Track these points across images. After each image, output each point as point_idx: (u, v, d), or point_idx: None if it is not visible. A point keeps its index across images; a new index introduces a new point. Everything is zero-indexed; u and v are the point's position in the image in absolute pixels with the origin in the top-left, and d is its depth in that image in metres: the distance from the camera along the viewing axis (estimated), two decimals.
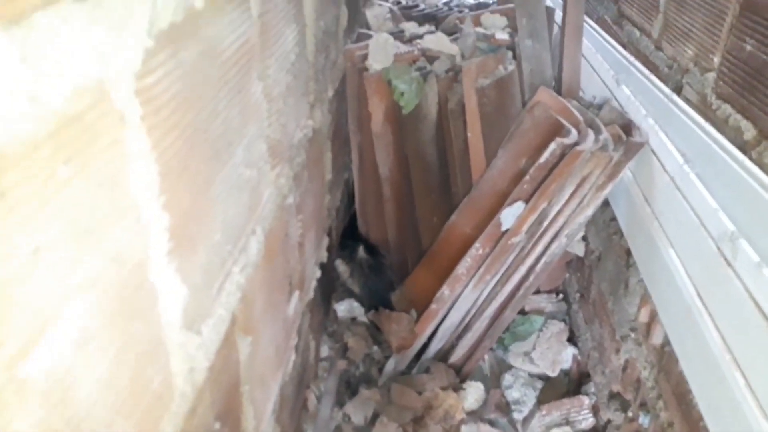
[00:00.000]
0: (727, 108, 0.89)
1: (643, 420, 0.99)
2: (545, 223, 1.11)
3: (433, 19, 1.72)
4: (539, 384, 1.32)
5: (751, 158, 0.79)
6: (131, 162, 0.38)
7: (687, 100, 1.04)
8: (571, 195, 1.08)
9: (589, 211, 1.12)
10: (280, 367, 0.87)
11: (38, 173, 0.29)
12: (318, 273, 1.14)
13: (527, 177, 1.09)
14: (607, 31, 1.54)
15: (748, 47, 0.84)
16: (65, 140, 0.31)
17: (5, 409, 0.28)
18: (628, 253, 1.11)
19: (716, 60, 0.94)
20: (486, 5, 1.82)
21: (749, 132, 0.82)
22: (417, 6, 1.83)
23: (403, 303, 1.33)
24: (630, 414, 1.06)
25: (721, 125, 0.90)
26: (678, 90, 1.08)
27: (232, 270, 0.59)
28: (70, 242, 0.32)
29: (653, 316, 0.99)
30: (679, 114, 1.03)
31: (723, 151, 0.85)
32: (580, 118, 1.14)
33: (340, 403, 1.21)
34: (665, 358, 0.93)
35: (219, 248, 0.55)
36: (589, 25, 1.56)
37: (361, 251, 1.40)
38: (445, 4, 1.90)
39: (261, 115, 0.68)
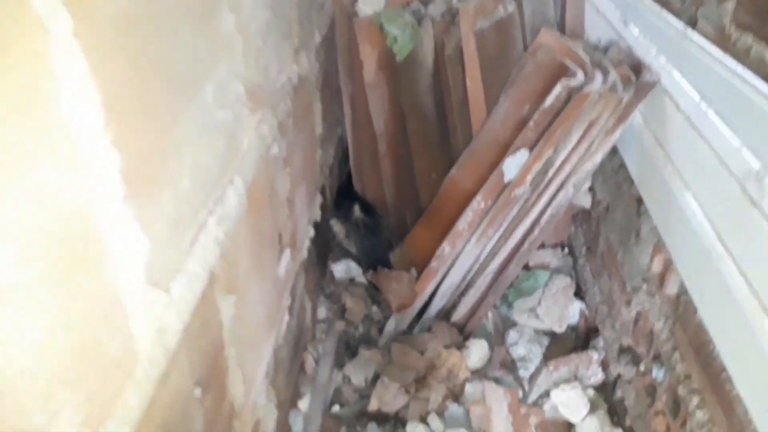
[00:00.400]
0: (748, 38, 0.82)
1: (657, 373, 0.94)
2: (551, 172, 1.05)
3: None
4: (545, 340, 1.28)
5: None
6: (61, 85, 0.32)
7: (703, 34, 0.96)
8: (579, 141, 1.02)
9: (598, 158, 1.05)
10: (273, 328, 0.82)
11: None
12: (311, 232, 1.08)
13: (531, 123, 1.02)
14: None
15: None
16: None
17: None
18: (639, 201, 1.04)
19: None
20: None
21: None
22: None
23: (402, 262, 1.27)
24: (642, 368, 1.01)
25: (741, 57, 0.83)
26: (693, 24, 1.00)
27: (207, 222, 0.54)
28: None
29: (667, 265, 0.93)
30: (694, 49, 0.95)
31: (745, 84, 0.78)
32: (587, 59, 1.06)
33: (339, 365, 1.17)
34: (681, 308, 0.88)
35: (189, 197, 0.49)
36: None
37: (356, 210, 1.34)
38: None
39: (235, 52, 0.61)
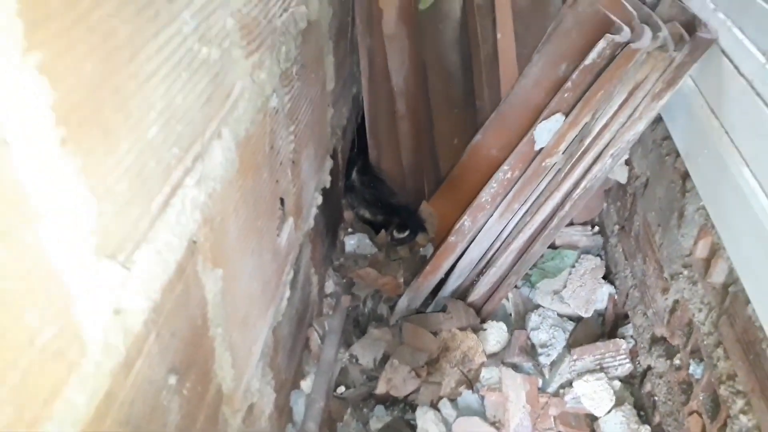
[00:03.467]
0: None
1: (695, 369, 0.85)
2: (587, 141, 0.94)
3: None
4: (570, 325, 1.19)
5: None
6: None
7: None
8: (621, 105, 0.90)
9: (641, 126, 0.94)
10: (270, 304, 0.74)
11: None
12: (319, 199, 0.99)
13: (568, 84, 0.91)
14: None
15: None
16: None
17: None
18: (685, 176, 0.93)
19: None
20: None
21: None
22: None
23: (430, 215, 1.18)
24: (677, 362, 0.92)
25: None
26: None
27: (184, 182, 0.44)
28: None
29: (715, 250, 0.83)
30: (760, 3, 0.82)
31: None
32: (634, 12, 0.94)
33: (346, 344, 1.09)
34: (729, 300, 0.78)
35: (158, 149, 0.40)
36: None
37: (354, 175, 1.26)
38: None
39: None
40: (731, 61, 0.86)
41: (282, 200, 0.75)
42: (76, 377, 0.34)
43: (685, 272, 0.90)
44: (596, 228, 1.34)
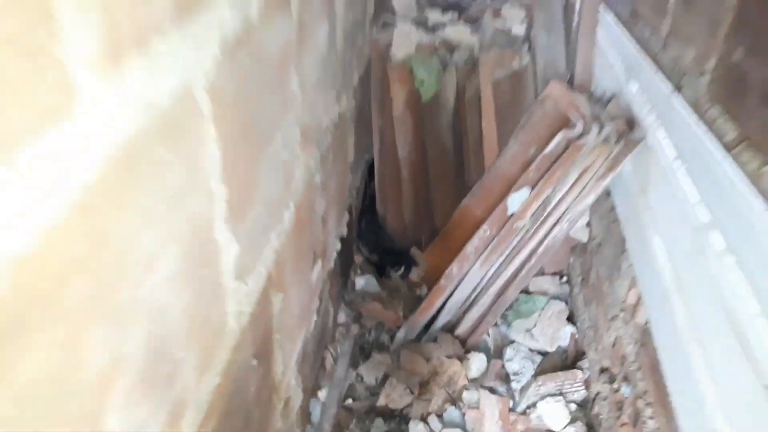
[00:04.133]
0: (715, 110, 0.98)
1: (625, 390, 1.09)
2: (548, 209, 1.21)
3: (457, 6, 1.80)
4: (538, 358, 1.43)
5: (731, 158, 0.88)
6: (205, 146, 0.50)
7: (685, 100, 1.12)
8: (574, 183, 1.18)
9: (590, 199, 1.21)
10: (304, 325, 0.99)
11: (149, 157, 0.40)
12: (338, 246, 1.25)
13: (533, 165, 1.19)
14: (623, 26, 1.61)
15: (737, 56, 0.92)
16: (168, 132, 0.42)
17: (125, 325, 0.40)
18: (623, 240, 1.20)
19: (711, 64, 1.02)
20: None
21: (731, 134, 0.90)
22: None
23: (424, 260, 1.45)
24: (615, 386, 1.16)
25: (710, 125, 0.99)
26: (678, 89, 1.16)
27: (270, 236, 0.71)
28: (167, 204, 0.44)
29: (639, 298, 1.08)
30: (677, 112, 1.11)
31: (709, 149, 0.94)
32: (587, 112, 1.23)
33: (354, 365, 1.33)
34: (646, 335, 1.03)
35: (261, 217, 0.67)
36: (608, 19, 1.63)
37: (363, 226, 1.53)
38: None
39: (296, 105, 0.79)
40: (655, 154, 1.14)
41: (314, 247, 1.01)
42: (221, 346, 0.59)
43: (621, 315, 1.16)
44: (564, 278, 1.60)
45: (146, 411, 0.44)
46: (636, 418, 1.03)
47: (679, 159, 1.03)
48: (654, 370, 0.95)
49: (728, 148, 0.91)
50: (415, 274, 1.47)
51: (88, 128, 0.33)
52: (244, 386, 0.67)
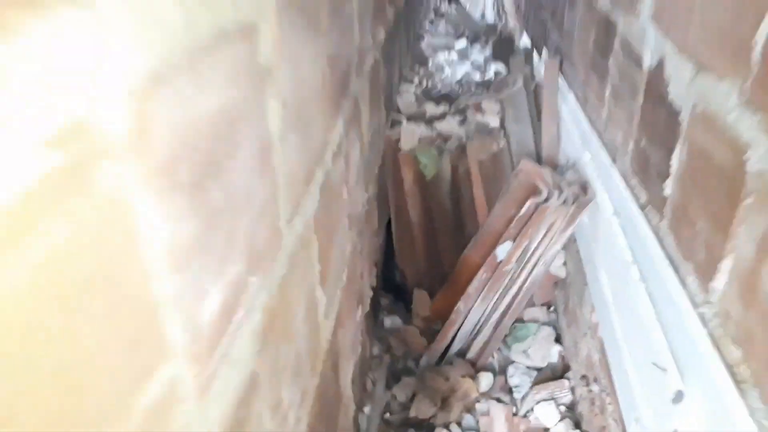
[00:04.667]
0: (635, 180, 1.39)
1: (595, 388, 1.46)
2: (528, 255, 1.61)
3: (448, 98, 2.26)
4: (534, 373, 1.79)
5: (643, 215, 1.28)
6: (311, 249, 0.90)
7: (618, 170, 1.53)
8: (544, 236, 1.58)
9: (558, 246, 1.61)
10: (354, 353, 1.38)
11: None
12: (371, 293, 1.65)
13: (513, 223, 1.59)
14: (579, 105, 2.04)
15: (643, 143, 1.34)
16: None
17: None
18: (585, 275, 1.59)
19: (630, 146, 1.44)
20: (489, 83, 2.35)
21: (643, 197, 1.31)
22: (435, 87, 2.37)
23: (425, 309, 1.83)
24: (589, 387, 1.52)
25: (632, 191, 1.39)
26: (614, 161, 1.58)
27: (337, 291, 1.11)
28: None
29: (597, 318, 1.47)
30: (614, 179, 1.52)
31: (631, 208, 1.34)
32: (550, 181, 1.64)
33: (388, 387, 1.71)
34: (602, 344, 1.41)
35: (333, 280, 1.07)
36: (570, 98, 2.07)
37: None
38: (458, 83, 2.43)
39: (348, 205, 1.20)
40: (600, 210, 1.54)
41: (358, 296, 1.41)
42: (320, 357, 0.98)
43: (588, 332, 1.53)
44: (551, 308, 1.97)
45: (292, 393, 0.83)
46: (602, 408, 1.40)
47: (615, 215, 1.44)
48: (606, 367, 1.33)
49: (642, 207, 1.32)
50: (418, 309, 1.85)
51: None
52: (328, 388, 1.06)
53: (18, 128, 0.26)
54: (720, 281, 0.94)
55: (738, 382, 0.86)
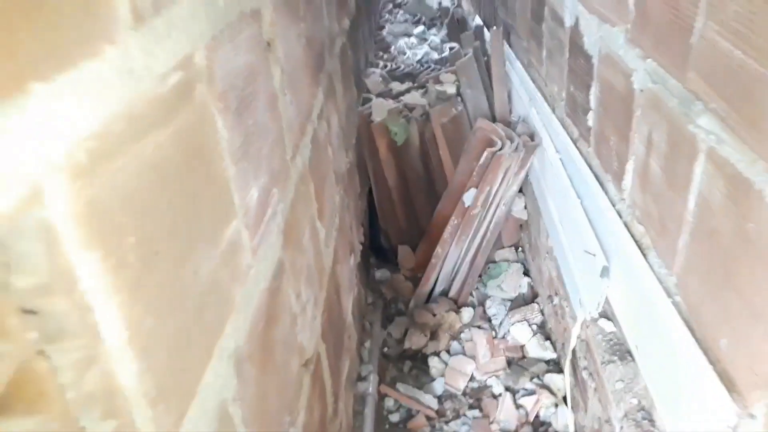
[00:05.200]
0: (569, 120, 1.66)
1: (555, 300, 1.73)
2: (490, 199, 1.88)
3: (410, 76, 2.52)
4: (508, 303, 2.07)
5: (574, 145, 1.56)
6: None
7: (556, 116, 1.81)
8: (502, 179, 1.85)
9: (515, 188, 1.89)
10: (352, 289, 1.64)
11: None
12: (360, 246, 1.91)
13: (475, 173, 1.86)
14: (525, 70, 2.32)
15: (571, 89, 1.61)
16: None
17: None
18: (539, 209, 1.87)
19: (564, 94, 1.71)
20: (445, 59, 2.62)
21: (575, 133, 1.58)
22: (399, 68, 2.63)
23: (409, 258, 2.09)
24: (553, 302, 1.80)
25: (567, 129, 1.67)
26: (554, 110, 1.85)
27: (333, 228, 1.36)
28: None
29: (551, 242, 1.74)
30: (553, 124, 1.80)
31: (566, 143, 1.62)
32: (503, 134, 1.91)
33: (384, 326, 1.97)
34: (557, 262, 1.68)
35: (331, 218, 1.32)
36: (517, 65, 2.34)
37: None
38: (418, 62, 2.70)
39: (331, 163, 1.45)
40: (546, 151, 1.82)
41: (350, 245, 1.66)
42: (326, 277, 1.24)
43: (546, 255, 1.81)
44: (519, 248, 2.25)
45: (307, 293, 1.08)
46: (562, 313, 1.67)
47: (557, 152, 1.71)
48: (560, 278, 1.61)
49: (575, 141, 1.60)
50: (404, 262, 2.12)
51: None
52: (333, 306, 1.31)
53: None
54: (627, 180, 1.22)
55: (642, 249, 1.14)
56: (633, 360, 1.20)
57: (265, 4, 0.85)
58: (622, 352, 1.26)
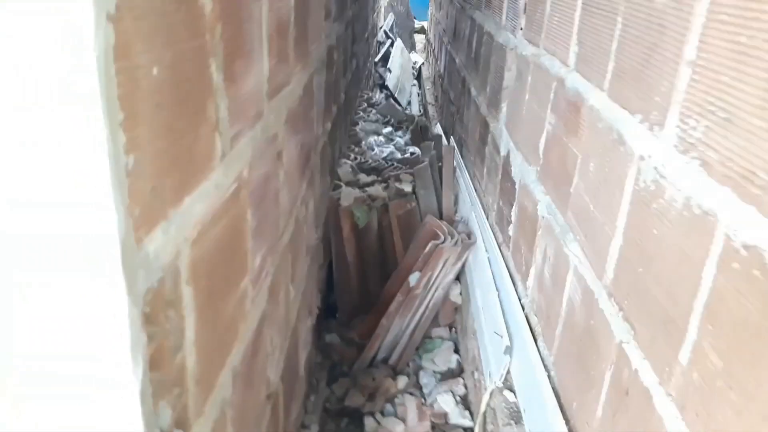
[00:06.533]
0: (497, 228, 2.07)
1: (476, 375, 2.07)
2: (431, 282, 2.24)
3: (376, 170, 2.94)
4: (438, 376, 2.38)
5: (498, 249, 1.95)
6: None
7: (488, 223, 2.22)
8: (441, 268, 2.22)
9: (452, 276, 2.26)
10: (306, 346, 1.93)
11: None
12: (317, 311, 2.21)
13: (420, 259, 2.23)
14: (470, 180, 2.77)
15: (501, 202, 2.03)
16: None
17: None
18: (470, 296, 2.23)
19: (495, 206, 2.13)
20: (406, 160, 3.06)
21: (500, 238, 1.99)
22: (367, 162, 3.04)
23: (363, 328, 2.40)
24: (474, 377, 2.13)
25: (494, 234, 2.07)
26: (487, 216, 2.27)
27: (300, 291, 1.68)
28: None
29: (476, 325, 2.10)
30: (486, 228, 2.20)
31: (493, 244, 2.01)
32: (447, 230, 2.31)
33: (328, 384, 2.24)
34: (478, 342, 2.03)
35: (301, 281, 1.64)
36: (466, 174, 2.79)
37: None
38: (384, 159, 3.13)
39: (305, 239, 1.79)
40: (477, 248, 2.21)
41: (309, 305, 1.97)
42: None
43: (473, 336, 2.16)
44: (453, 329, 2.59)
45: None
46: (481, 388, 2.00)
47: (486, 252, 2.11)
48: (479, 356, 1.95)
49: (499, 245, 2.00)
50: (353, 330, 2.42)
51: None
52: (292, 357, 1.60)
53: None
54: (531, 281, 1.61)
55: (534, 335, 1.51)
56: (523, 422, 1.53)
57: (280, 128, 1.22)
58: (518, 417, 1.59)
